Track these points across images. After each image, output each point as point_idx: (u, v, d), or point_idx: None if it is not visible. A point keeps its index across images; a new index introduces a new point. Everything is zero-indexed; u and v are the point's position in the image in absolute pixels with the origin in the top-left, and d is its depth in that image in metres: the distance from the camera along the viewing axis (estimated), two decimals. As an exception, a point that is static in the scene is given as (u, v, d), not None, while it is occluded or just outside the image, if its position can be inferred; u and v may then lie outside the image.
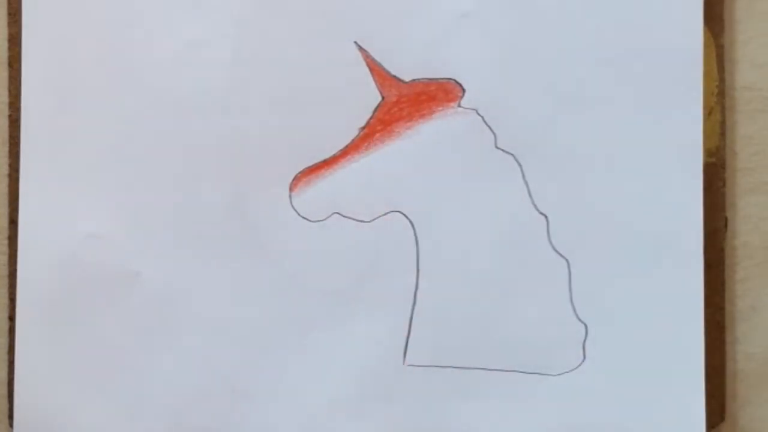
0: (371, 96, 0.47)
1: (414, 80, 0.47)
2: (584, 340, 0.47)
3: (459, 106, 0.47)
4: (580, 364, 0.47)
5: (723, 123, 0.48)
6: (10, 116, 0.47)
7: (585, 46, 0.47)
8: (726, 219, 0.49)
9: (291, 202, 0.47)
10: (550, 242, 0.47)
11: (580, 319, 0.47)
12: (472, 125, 0.47)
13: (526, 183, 0.47)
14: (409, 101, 0.47)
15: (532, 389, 0.47)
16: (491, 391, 0.47)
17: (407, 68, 0.47)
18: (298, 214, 0.47)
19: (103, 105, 0.47)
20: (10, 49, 0.47)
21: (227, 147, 0.47)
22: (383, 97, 0.47)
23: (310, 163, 0.47)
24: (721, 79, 0.48)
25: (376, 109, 0.47)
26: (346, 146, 0.47)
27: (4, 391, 0.48)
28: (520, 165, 0.47)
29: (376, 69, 0.47)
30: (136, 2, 0.47)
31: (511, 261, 0.47)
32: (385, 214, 0.47)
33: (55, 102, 0.47)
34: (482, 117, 0.47)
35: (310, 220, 0.47)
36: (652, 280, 0.47)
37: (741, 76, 0.49)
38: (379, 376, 0.47)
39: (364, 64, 0.47)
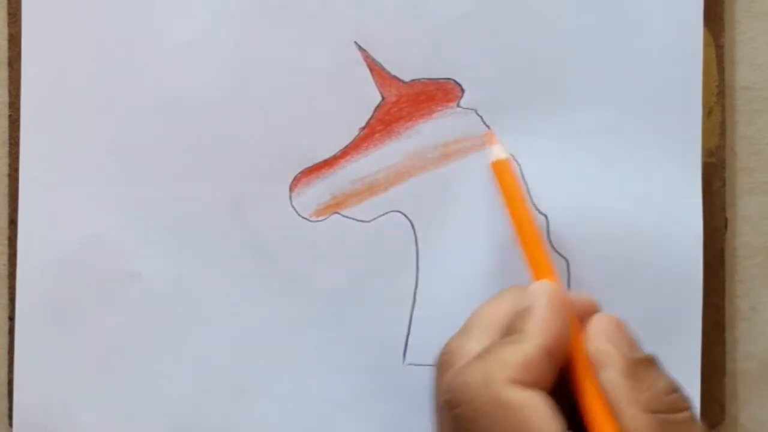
0: (371, 96, 0.47)
1: (414, 80, 0.47)
2: (584, 341, 0.47)
3: (458, 106, 0.47)
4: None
5: (723, 123, 0.48)
6: (10, 116, 0.47)
7: (584, 46, 0.47)
8: (726, 219, 0.49)
9: (291, 202, 0.47)
10: (550, 242, 0.47)
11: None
12: (471, 125, 0.47)
13: (525, 183, 0.47)
14: (409, 101, 0.47)
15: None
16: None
17: (407, 68, 0.47)
18: (298, 214, 0.47)
19: (103, 105, 0.47)
20: (10, 49, 0.47)
21: (227, 147, 0.47)
22: (383, 97, 0.47)
23: (310, 163, 0.47)
24: (721, 79, 0.48)
25: (376, 109, 0.47)
26: (346, 146, 0.47)
27: (4, 391, 0.48)
28: (519, 165, 0.47)
29: (376, 69, 0.47)
30: (136, 2, 0.47)
31: (511, 261, 0.47)
32: (385, 213, 0.47)
33: (55, 102, 0.47)
34: (481, 117, 0.47)
35: (310, 220, 0.47)
36: (652, 280, 0.47)
37: (741, 76, 0.49)
38: (379, 375, 0.47)
39: (364, 64, 0.47)
